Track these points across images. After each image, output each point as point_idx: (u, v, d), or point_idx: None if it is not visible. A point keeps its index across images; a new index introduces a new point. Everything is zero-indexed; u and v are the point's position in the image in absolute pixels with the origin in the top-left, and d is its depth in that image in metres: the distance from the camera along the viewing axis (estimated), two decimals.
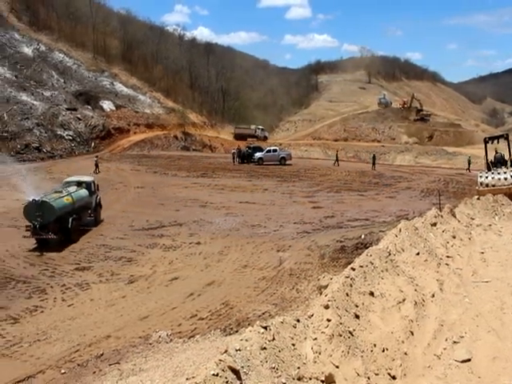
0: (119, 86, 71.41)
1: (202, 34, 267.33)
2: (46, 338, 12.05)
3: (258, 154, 47.22)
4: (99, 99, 63.69)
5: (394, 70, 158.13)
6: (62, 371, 10.53)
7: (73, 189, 21.45)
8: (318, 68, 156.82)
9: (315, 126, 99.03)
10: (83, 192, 21.87)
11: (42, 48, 67.57)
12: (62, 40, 74.07)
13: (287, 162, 46.78)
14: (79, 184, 22.37)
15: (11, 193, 27.79)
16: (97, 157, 40.83)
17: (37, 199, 18.66)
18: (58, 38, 73.88)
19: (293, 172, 41.18)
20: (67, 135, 52.22)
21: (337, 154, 51.05)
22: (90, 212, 22.51)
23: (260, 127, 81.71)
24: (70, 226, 19.64)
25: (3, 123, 47.51)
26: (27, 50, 64.72)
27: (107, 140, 56.83)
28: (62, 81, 63.52)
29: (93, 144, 54.27)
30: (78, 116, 55.95)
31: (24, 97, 54.25)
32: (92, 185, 23.03)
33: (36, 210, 18.49)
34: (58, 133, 51.61)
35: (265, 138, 78.12)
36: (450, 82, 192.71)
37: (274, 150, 48.65)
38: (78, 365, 10.73)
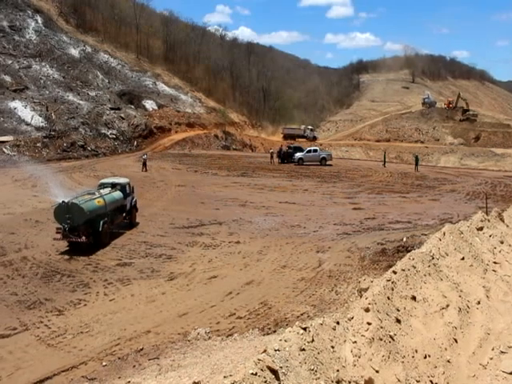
0: (161, 86, 72.68)
1: (244, 33, 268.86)
2: (88, 331, 12.40)
3: (298, 154, 47.03)
4: (142, 99, 65.02)
5: (439, 68, 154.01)
6: (104, 363, 10.81)
7: (106, 191, 20.91)
8: (360, 67, 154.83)
9: (357, 126, 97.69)
10: (117, 194, 21.26)
11: (88, 49, 69.65)
12: (107, 41, 76.16)
13: (328, 163, 46.40)
14: (113, 186, 21.82)
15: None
16: (145, 155, 41.82)
17: (66, 201, 18.13)
18: (103, 39, 76.02)
19: (333, 173, 40.81)
20: (111, 134, 53.57)
21: (385, 155, 49.84)
22: (124, 215, 21.98)
23: (309, 127, 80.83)
24: (100, 229, 19.00)
25: (51, 122, 49.20)
26: (74, 52, 66.88)
27: (149, 139, 57.91)
28: (107, 81, 65.24)
29: (135, 143, 55.43)
30: (122, 115, 57.29)
31: (71, 96, 56.07)
32: (127, 187, 22.38)
33: (66, 212, 18.00)
34: (102, 131, 53.01)
35: (314, 139, 76.92)
36: (500, 80, 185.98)
37: (315, 151, 48.34)
38: (119, 358, 10.99)
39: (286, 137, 75.59)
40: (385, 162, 47.80)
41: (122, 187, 22.00)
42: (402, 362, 5.54)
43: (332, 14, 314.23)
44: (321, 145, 65.86)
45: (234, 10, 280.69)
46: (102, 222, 19.06)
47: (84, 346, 11.65)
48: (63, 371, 10.57)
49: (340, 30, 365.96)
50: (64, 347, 11.64)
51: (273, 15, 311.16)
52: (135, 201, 23.14)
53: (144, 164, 39.36)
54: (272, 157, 48.00)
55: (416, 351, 5.79)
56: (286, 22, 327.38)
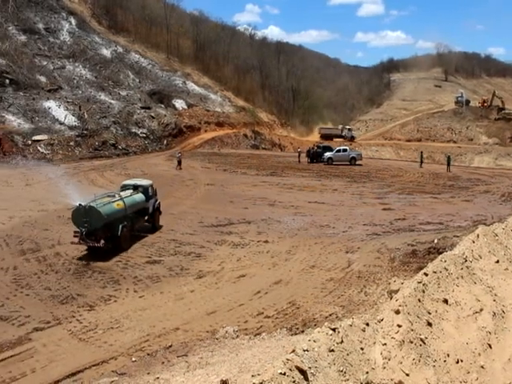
0: (191, 85, 73.28)
1: (273, 33, 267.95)
2: (118, 326, 12.63)
3: (327, 154, 46.68)
4: (172, 98, 65.69)
5: (473, 66, 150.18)
6: (133, 359, 10.98)
7: (127, 193, 20.24)
8: (391, 66, 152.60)
9: (387, 125, 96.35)
10: (138, 197, 20.56)
11: (120, 50, 70.84)
12: (138, 41, 77.28)
13: (357, 162, 45.89)
14: (135, 188, 21.08)
15: (89, 187, 29.30)
16: (180, 153, 42.48)
17: (83, 204, 17.54)
18: (134, 39, 77.17)
19: (363, 172, 40.37)
20: (141, 133, 54.33)
21: (421, 156, 48.25)
22: (146, 218, 21.33)
23: (347, 127, 79.65)
24: (119, 233, 18.33)
25: (83, 121, 50.23)
26: (106, 52, 68.14)
27: (179, 138, 58.47)
28: (138, 80, 66.20)
29: (165, 141, 56.04)
30: (152, 114, 58.02)
31: (102, 96, 57.14)
32: (149, 189, 21.56)
33: (83, 216, 17.43)
34: (133, 130, 53.81)
35: (352, 138, 75.28)
36: None
37: (344, 150, 47.88)
38: (148, 354, 11.15)
39: (324, 137, 74.41)
40: (421, 162, 46.70)
41: (145, 189, 21.24)
42: (434, 365, 5.44)
43: (362, 12, 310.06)
44: (350, 144, 65.15)
45: (264, 9, 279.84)
46: (121, 226, 18.44)
47: (114, 341, 11.87)
48: (94, 365, 10.80)
49: (370, 29, 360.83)
50: (95, 342, 11.89)
51: (302, 14, 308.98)
52: (159, 203, 22.36)
53: (179, 162, 40.12)
54: (299, 156, 47.75)
55: (448, 355, 5.68)
56: (316, 20, 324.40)
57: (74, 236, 17.89)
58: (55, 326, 12.70)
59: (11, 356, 11.26)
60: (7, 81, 50.17)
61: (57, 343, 11.84)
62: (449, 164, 43.98)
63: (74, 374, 10.42)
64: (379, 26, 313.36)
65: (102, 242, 17.51)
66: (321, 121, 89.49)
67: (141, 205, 20.61)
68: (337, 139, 72.76)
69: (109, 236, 17.98)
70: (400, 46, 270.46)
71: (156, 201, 22.15)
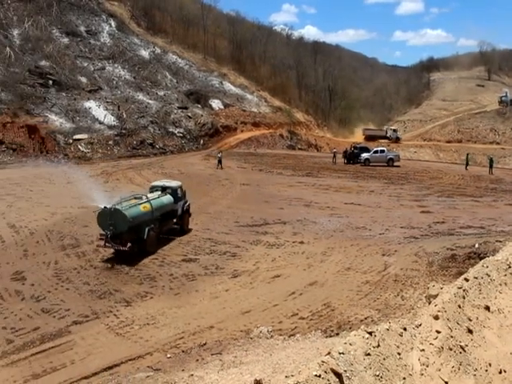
0: (228, 86, 73.72)
1: (310, 32, 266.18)
2: (154, 323, 12.85)
3: (364, 155, 46.11)
4: (208, 98, 66.27)
5: None
6: (168, 355, 11.15)
7: (154, 195, 19.83)
8: (431, 65, 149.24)
9: (426, 126, 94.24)
10: (166, 199, 20.09)
11: (158, 50, 71.99)
12: (175, 42, 78.30)
13: (395, 164, 45.13)
14: (163, 189, 20.61)
15: (127, 186, 29.87)
16: (220, 153, 42.84)
17: (109, 207, 17.18)
18: (172, 40, 78.22)
19: (401, 174, 39.67)
20: (178, 132, 55.03)
21: (467, 158, 46.54)
22: (175, 221, 20.78)
23: (392, 128, 78.31)
24: (145, 236, 17.90)
25: (122, 121, 51.31)
26: (144, 53, 69.38)
27: (215, 137, 58.94)
28: (175, 81, 67.09)
29: (202, 141, 56.59)
30: (189, 114, 58.69)
31: (141, 96, 58.22)
32: (178, 191, 21.01)
33: (108, 219, 17.05)
34: (170, 130, 54.56)
35: (397, 139, 73.79)
36: None
37: (382, 151, 47.17)
38: (183, 351, 11.29)
39: (368, 138, 73.17)
40: (467, 164, 45.14)
41: (173, 191, 20.75)
42: (474, 374, 5.28)
43: (401, 10, 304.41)
44: (388, 145, 64.10)
45: (300, 8, 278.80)
46: (147, 229, 18.01)
47: (150, 337, 12.07)
48: (130, 360, 11.02)
49: (409, 27, 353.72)
50: (131, 337, 12.13)
51: (339, 13, 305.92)
52: (188, 205, 21.86)
53: (219, 161, 40.53)
54: (335, 156, 47.29)
55: (490, 365, 5.50)
56: (353, 19, 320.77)
57: (100, 239, 17.61)
58: (93, 320, 13.03)
59: (52, 347, 11.63)
60: (50, 82, 51.77)
61: (95, 337, 12.15)
62: (491, 166, 42.67)
63: (110, 368, 10.67)
64: (418, 24, 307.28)
65: (128, 245, 17.13)
66: (359, 121, 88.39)
67: (169, 207, 20.12)
68: (381, 140, 71.40)
69: (134, 239, 17.57)
70: (440, 45, 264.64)
71: (185, 203, 21.61)
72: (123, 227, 17.01)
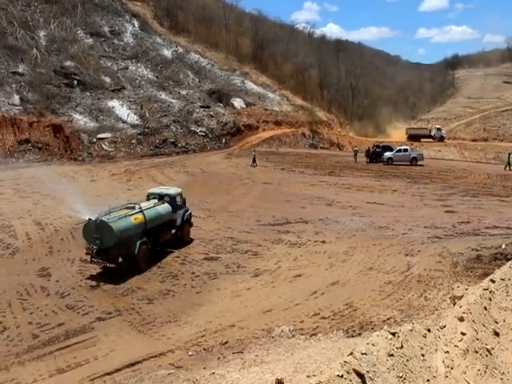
0: (249, 85, 73.78)
1: (332, 30, 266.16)
2: (176, 320, 12.96)
3: (387, 154, 45.54)
4: (230, 97, 66.42)
5: None
6: (190, 353, 11.22)
7: (149, 204, 18.18)
8: (456, 62, 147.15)
9: (451, 124, 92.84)
10: (163, 208, 18.34)
11: (180, 50, 72.50)
12: (198, 42, 78.73)
13: (418, 163, 44.46)
14: (161, 197, 18.91)
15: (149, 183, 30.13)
16: (254, 151, 43.40)
17: (94, 218, 15.52)
18: (194, 39, 78.68)
19: (424, 173, 39.08)
20: (200, 131, 55.30)
21: (509, 157, 42.87)
22: (174, 231, 19.09)
23: (437, 126, 76.62)
24: (136, 251, 16.22)
25: (145, 120, 51.82)
26: (167, 53, 69.98)
27: (237, 136, 59.02)
28: (197, 80, 67.47)
29: (223, 140, 56.75)
30: (211, 113, 58.93)
31: (163, 95, 58.72)
32: (177, 198, 19.31)
33: (94, 232, 15.51)
34: (192, 129, 54.87)
35: (441, 138, 71.90)
36: None
37: (405, 150, 46.52)
38: (204, 349, 11.35)
39: (411, 137, 71.47)
40: (509, 164, 41.93)
41: (171, 199, 19.00)
42: (501, 378, 5.17)
43: (425, 6, 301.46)
44: (411, 144, 63.20)
45: (322, 6, 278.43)
46: (138, 243, 16.33)
47: (171, 334, 12.18)
48: (152, 357, 11.14)
49: (433, 24, 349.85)
50: (153, 334, 12.26)
51: (361, 11, 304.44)
52: (189, 214, 20.16)
53: (254, 160, 41.10)
54: (356, 155, 46.85)
55: None
56: (376, 17, 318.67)
57: (86, 253, 16.20)
58: (116, 317, 13.21)
59: (76, 343, 11.85)
60: (75, 82, 52.62)
61: (117, 333, 12.31)
62: (509, 163, 41.28)
63: (133, 365, 10.79)
64: (443, 20, 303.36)
65: (117, 261, 15.70)
66: (382, 119, 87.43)
67: (166, 217, 18.43)
68: (424, 140, 70.03)
69: (124, 254, 16.02)
70: (465, 41, 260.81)
71: (186, 211, 19.92)
72: (110, 241, 15.44)
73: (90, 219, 15.54)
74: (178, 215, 19.20)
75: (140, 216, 16.76)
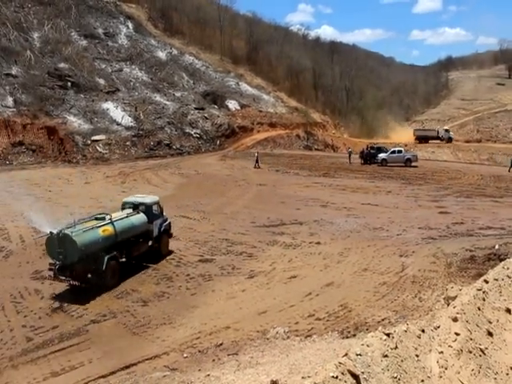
0: (244, 86, 73.79)
1: (326, 32, 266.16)
2: (170, 323, 12.95)
3: (381, 155, 45.68)
4: (225, 99, 66.38)
5: None
6: (184, 355, 11.21)
7: (122, 214, 16.82)
8: (449, 64, 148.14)
9: (444, 126, 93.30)
10: (137, 218, 17.02)
11: (175, 52, 72.44)
12: (192, 43, 78.68)
13: (413, 164, 44.62)
14: (135, 207, 17.48)
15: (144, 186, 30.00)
16: (256, 153, 43.50)
17: (56, 232, 14.26)
18: (189, 41, 78.61)
19: (418, 174, 39.23)
20: (195, 133, 55.25)
21: None
22: (151, 243, 17.73)
23: (445, 127, 76.73)
24: (104, 267, 14.89)
25: (139, 122, 51.73)
26: (161, 55, 69.89)
27: (232, 138, 58.96)
28: (192, 82, 67.40)
29: (218, 142, 56.71)
30: (205, 115, 58.90)
31: (158, 97, 58.64)
32: (153, 208, 17.91)
33: (57, 246, 14.31)
34: (187, 131, 54.80)
35: (449, 140, 71.77)
36: None
37: (399, 151, 46.66)
38: (199, 351, 11.34)
39: (419, 139, 71.51)
40: None
41: (147, 208, 17.60)
42: (495, 378, 5.19)
43: (418, 8, 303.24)
44: (405, 145, 63.38)
45: (316, 8, 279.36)
46: (107, 258, 15.05)
47: (166, 336, 12.16)
48: (147, 359, 11.13)
49: (427, 26, 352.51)
50: (148, 337, 12.24)
51: (356, 13, 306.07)
52: (168, 224, 18.78)
53: (257, 161, 41.36)
54: (350, 156, 46.99)
55: (511, 368, 5.40)
56: (370, 19, 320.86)
57: (49, 269, 14.81)
58: (111, 320, 13.19)
59: (70, 346, 11.82)
60: (69, 84, 52.46)
61: (112, 336, 12.27)
62: None
63: (127, 367, 10.77)
64: (436, 22, 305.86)
65: (82, 278, 14.46)
66: (375, 121, 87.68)
67: (141, 228, 17.13)
68: (433, 141, 70.08)
69: (91, 270, 14.69)
70: (459, 43, 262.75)
71: (164, 221, 18.54)
72: (73, 257, 14.29)
73: (51, 232, 14.34)
74: (155, 226, 17.83)
75: (109, 228, 15.50)
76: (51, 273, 14.69)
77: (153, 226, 17.66)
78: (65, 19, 62.87)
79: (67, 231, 14.32)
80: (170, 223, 18.94)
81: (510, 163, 42.74)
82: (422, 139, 70.74)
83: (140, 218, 17.18)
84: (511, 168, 41.92)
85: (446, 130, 74.18)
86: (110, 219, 15.77)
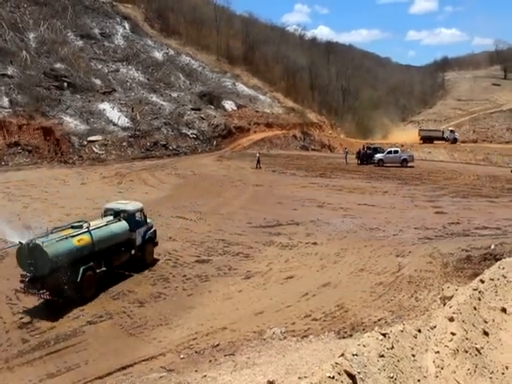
0: (241, 87, 73.77)
1: (322, 32, 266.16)
2: (167, 324, 12.92)
3: (378, 155, 45.78)
4: (222, 99, 66.34)
5: None
6: (181, 356, 11.19)
7: (102, 222, 15.98)
8: (445, 64, 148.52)
9: (440, 126, 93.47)
10: (118, 226, 16.13)
11: (171, 52, 72.37)
12: (189, 44, 78.64)
13: (409, 164, 44.73)
14: (117, 214, 16.56)
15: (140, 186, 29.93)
16: (258, 153, 43.70)
17: (26, 242, 13.34)
18: (185, 42, 78.57)
19: (415, 174, 39.32)
20: (191, 134, 55.18)
21: None
22: (133, 252, 16.80)
23: (450, 128, 76.86)
24: (79, 279, 13.97)
25: (136, 122, 51.62)
26: (158, 55, 69.81)
27: (228, 138, 58.92)
28: (188, 82, 67.34)
29: (215, 142, 56.65)
30: (202, 115, 58.84)
31: (154, 98, 58.55)
32: (136, 215, 17.11)
33: (27, 257, 13.33)
34: (183, 131, 54.73)
35: (455, 141, 71.83)
36: None
37: (396, 152, 46.78)
38: (196, 352, 11.32)
39: (424, 139, 71.53)
40: None
41: (129, 215, 16.69)
42: (490, 377, 5.21)
43: (415, 9, 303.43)
44: (402, 146, 63.51)
45: (313, 9, 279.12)
46: (82, 269, 14.11)
47: (163, 337, 12.13)
48: (143, 360, 11.10)
49: (423, 26, 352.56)
50: (144, 338, 12.21)
51: (352, 13, 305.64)
52: (153, 232, 17.91)
53: (258, 161, 41.49)
54: (346, 156, 47.05)
55: (506, 368, 5.41)
56: (366, 19, 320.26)
57: (21, 281, 13.77)
58: (107, 321, 13.15)
59: (66, 347, 11.77)
60: (65, 84, 52.32)
61: (108, 337, 12.23)
62: None
63: (124, 368, 10.74)
64: (433, 23, 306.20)
65: (54, 291, 13.46)
66: (371, 122, 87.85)
67: (122, 236, 16.22)
68: (437, 142, 70.23)
69: (63, 283, 13.53)
70: (455, 44, 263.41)
71: (148, 229, 17.62)
72: (44, 269, 13.31)
73: (20, 242, 13.36)
74: (138, 234, 16.93)
75: (86, 237, 14.59)
76: (22, 285, 13.69)
77: (135, 235, 16.79)
78: (61, 19, 62.72)
79: (38, 241, 13.38)
80: (155, 231, 18.08)
81: None
82: (427, 139, 70.96)
83: (121, 225, 16.26)
84: None
85: (452, 131, 74.32)
86: (88, 228, 14.87)
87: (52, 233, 14.18)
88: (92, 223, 15.41)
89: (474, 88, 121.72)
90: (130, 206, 17.37)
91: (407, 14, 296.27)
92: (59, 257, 13.45)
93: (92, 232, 14.82)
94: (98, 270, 14.91)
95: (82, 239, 14.41)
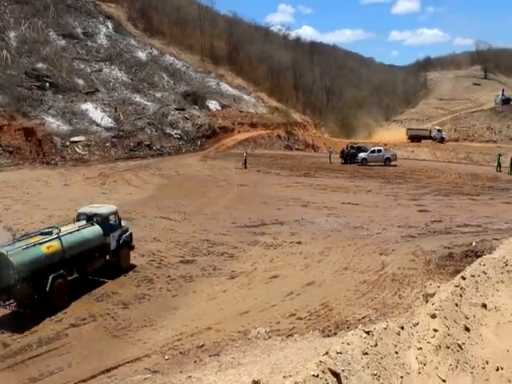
0: (225, 87, 73.68)
1: (306, 33, 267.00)
2: (152, 325, 12.84)
3: (361, 155, 46.08)
4: (206, 99, 66.18)
5: None
6: (166, 357, 11.13)
7: (73, 227, 15.28)
8: (427, 64, 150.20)
9: (423, 125, 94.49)
10: (90, 231, 15.50)
11: (155, 52, 71.95)
12: (173, 44, 78.23)
13: (392, 163, 45.11)
14: (89, 218, 15.94)
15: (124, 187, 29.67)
16: (245, 153, 43.65)
17: None
18: (169, 42, 78.15)
19: (398, 173, 39.68)
20: (175, 134, 54.96)
21: (499, 158, 41.98)
22: (108, 257, 16.19)
23: (437, 127, 77.33)
24: (48, 288, 13.25)
25: (119, 123, 51.26)
26: (141, 55, 69.35)
27: (212, 139, 58.80)
28: (172, 82, 67.02)
29: (199, 142, 56.50)
30: (186, 115, 58.63)
31: (138, 98, 58.19)
32: (110, 218, 16.51)
33: None
34: (167, 131, 54.49)
35: (442, 140, 72.29)
36: None
37: (379, 151, 47.15)
38: (181, 353, 11.27)
39: (412, 138, 72.01)
40: (499, 165, 41.07)
41: (103, 219, 16.07)
42: (471, 372, 5.28)
43: (397, 9, 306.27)
44: (385, 145, 64.03)
45: (297, 9, 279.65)
46: (51, 278, 13.41)
47: (147, 339, 12.06)
48: (128, 362, 11.01)
49: (406, 27, 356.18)
50: (129, 339, 12.11)
51: (336, 13, 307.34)
52: (128, 235, 17.23)
53: (245, 161, 41.53)
54: (331, 156, 47.30)
55: (487, 363, 5.49)
56: (350, 19, 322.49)
57: None
58: (91, 323, 13.02)
59: (49, 350, 11.62)
60: (47, 84, 51.72)
61: (92, 340, 12.12)
62: (499, 164, 41.32)
63: (108, 371, 10.65)
64: (415, 23, 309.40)
65: (21, 302, 12.95)
66: (355, 121, 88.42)
67: (95, 241, 15.57)
68: (425, 141, 70.71)
69: (31, 293, 13.04)
70: (437, 44, 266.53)
71: (124, 233, 16.99)
72: (10, 278, 12.57)
73: None
74: (112, 238, 16.31)
75: (55, 243, 13.97)
76: None
77: (110, 239, 16.17)
78: (42, 18, 61.94)
79: (2, 250, 12.65)
80: (131, 234, 17.41)
81: (498, 161, 41.98)
82: (415, 139, 71.59)
83: (94, 230, 15.64)
84: (498, 167, 41.76)
85: (439, 130, 75.02)
86: (58, 234, 14.24)
87: (20, 240, 13.65)
88: (63, 228, 14.85)
89: (455, 88, 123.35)
90: (104, 209, 16.83)
91: (390, 14, 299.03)
92: (26, 265, 12.82)
93: (62, 238, 14.23)
94: (69, 278, 14.26)
95: (51, 246, 13.81)
